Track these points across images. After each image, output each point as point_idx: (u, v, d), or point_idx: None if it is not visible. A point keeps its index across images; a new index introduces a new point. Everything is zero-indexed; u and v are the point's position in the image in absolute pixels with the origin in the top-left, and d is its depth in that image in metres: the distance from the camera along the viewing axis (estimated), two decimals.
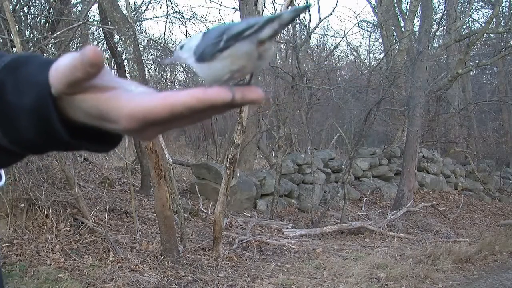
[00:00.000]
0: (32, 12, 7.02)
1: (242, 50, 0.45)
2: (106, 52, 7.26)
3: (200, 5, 28.34)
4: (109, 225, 5.09)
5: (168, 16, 11.67)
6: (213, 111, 0.45)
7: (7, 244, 4.23)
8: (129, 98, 0.44)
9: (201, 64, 0.48)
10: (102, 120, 0.45)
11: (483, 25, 12.04)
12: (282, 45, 12.21)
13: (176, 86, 14.21)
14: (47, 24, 6.21)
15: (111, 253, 4.43)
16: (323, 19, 18.31)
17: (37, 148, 0.49)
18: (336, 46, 12.73)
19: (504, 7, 13.72)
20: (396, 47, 10.95)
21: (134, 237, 4.94)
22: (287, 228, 6.66)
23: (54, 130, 0.45)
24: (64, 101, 0.45)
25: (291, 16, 0.45)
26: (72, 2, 7.90)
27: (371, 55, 16.34)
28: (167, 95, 0.43)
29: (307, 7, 0.48)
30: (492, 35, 12.49)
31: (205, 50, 0.47)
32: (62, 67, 0.44)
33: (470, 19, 14.38)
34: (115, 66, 7.14)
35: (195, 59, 0.49)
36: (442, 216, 9.02)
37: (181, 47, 0.51)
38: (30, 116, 0.45)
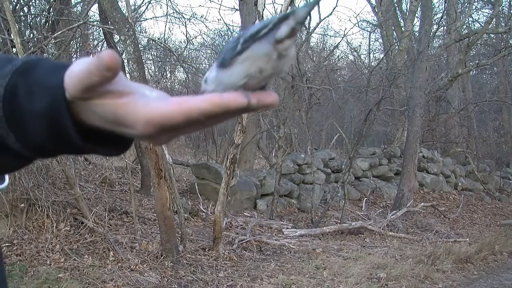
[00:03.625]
0: (32, 12, 7.03)
1: (259, 50, 0.45)
2: None
3: (200, 5, 28.47)
4: (109, 225, 5.09)
5: (168, 16, 11.68)
6: (228, 116, 0.45)
7: (7, 244, 4.23)
8: (145, 104, 0.44)
9: (222, 72, 0.47)
10: (117, 124, 0.45)
11: (483, 25, 12.04)
12: None
13: (176, 86, 14.22)
14: (47, 24, 6.21)
15: (111, 253, 4.43)
16: (323, 19, 18.32)
17: (48, 152, 0.49)
18: (336, 46, 12.76)
19: (504, 7, 13.73)
20: (396, 47, 10.96)
21: (134, 237, 4.94)
22: (287, 228, 6.66)
23: (67, 134, 0.45)
24: (78, 105, 0.45)
25: (305, 11, 0.44)
26: (72, 2, 7.90)
27: (371, 55, 16.36)
28: (182, 100, 0.43)
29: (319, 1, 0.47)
30: (492, 35, 12.49)
31: (224, 56, 0.47)
32: (77, 72, 0.44)
33: (470, 19, 14.38)
34: None
35: (217, 69, 0.47)
36: (442, 216, 9.02)
37: (205, 81, 0.50)
38: (43, 120, 0.45)
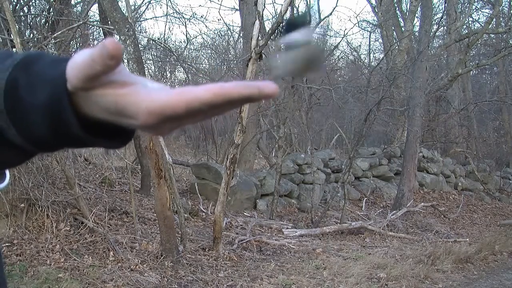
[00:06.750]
0: (32, 12, 7.02)
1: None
2: None
3: (200, 5, 28.42)
4: (109, 225, 5.09)
5: (168, 16, 11.69)
6: (230, 106, 0.44)
7: (7, 244, 4.23)
8: (147, 94, 0.44)
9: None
10: (119, 115, 0.45)
11: (483, 25, 12.04)
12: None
13: (176, 86, 14.20)
14: (47, 24, 6.20)
15: (111, 253, 4.43)
16: (323, 19, 18.28)
17: (50, 145, 0.48)
18: (336, 46, 12.75)
19: (504, 7, 13.73)
20: (396, 47, 10.96)
21: (134, 237, 4.94)
22: (287, 228, 6.66)
23: (68, 125, 0.45)
24: (80, 97, 0.45)
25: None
26: (72, 2, 7.90)
27: (371, 55, 16.34)
28: (184, 90, 0.43)
29: None
30: (492, 35, 12.49)
31: None
32: (80, 61, 0.44)
33: (470, 19, 14.38)
34: None
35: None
36: (442, 216, 9.02)
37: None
38: (44, 111, 0.45)
